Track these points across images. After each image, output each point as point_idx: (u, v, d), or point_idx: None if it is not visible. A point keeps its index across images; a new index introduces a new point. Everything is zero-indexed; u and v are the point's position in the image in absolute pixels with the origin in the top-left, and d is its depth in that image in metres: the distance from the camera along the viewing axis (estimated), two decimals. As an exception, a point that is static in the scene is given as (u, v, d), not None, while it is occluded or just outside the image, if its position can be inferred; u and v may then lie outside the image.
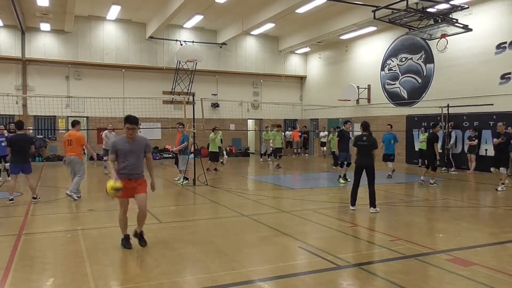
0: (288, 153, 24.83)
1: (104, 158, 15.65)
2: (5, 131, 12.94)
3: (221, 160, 17.40)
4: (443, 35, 15.12)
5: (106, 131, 15.64)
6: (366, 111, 21.44)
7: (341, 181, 12.71)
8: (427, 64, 18.54)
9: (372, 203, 8.31)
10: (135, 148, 5.70)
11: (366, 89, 21.92)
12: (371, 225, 7.47)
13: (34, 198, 9.40)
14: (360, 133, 8.77)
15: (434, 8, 14.49)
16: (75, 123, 9.84)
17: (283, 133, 20.86)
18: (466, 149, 16.03)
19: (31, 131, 20.69)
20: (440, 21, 14.53)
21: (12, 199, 9.15)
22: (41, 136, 20.41)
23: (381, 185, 11.35)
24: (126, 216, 5.84)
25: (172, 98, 21.36)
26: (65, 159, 9.71)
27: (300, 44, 24.30)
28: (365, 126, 8.66)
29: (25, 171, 9.31)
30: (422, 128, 18.07)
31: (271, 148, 22.26)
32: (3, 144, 12.19)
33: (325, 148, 23.30)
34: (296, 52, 26.41)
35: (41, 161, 19.57)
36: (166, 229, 7.09)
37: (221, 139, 16.93)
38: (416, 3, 14.30)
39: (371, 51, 21.84)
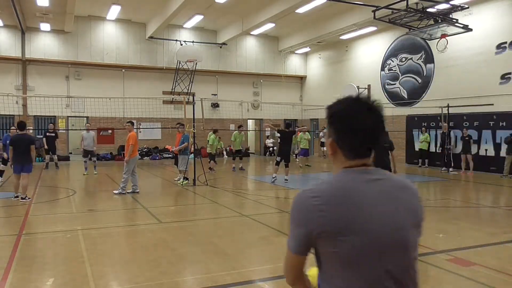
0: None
1: (84, 159, 15.34)
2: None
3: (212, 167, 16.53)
4: (443, 35, 15.11)
5: (84, 132, 15.46)
6: (366, 111, 21.37)
7: None
8: (427, 64, 18.53)
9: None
10: None
11: (366, 89, 21.89)
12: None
13: (23, 198, 9.40)
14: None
15: (434, 8, 14.48)
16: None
17: (308, 134, 18.97)
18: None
19: (30, 131, 20.68)
20: (440, 21, 14.52)
21: (17, 196, 9.40)
22: (41, 136, 20.36)
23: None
24: None
25: (172, 98, 21.34)
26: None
27: (300, 44, 24.28)
28: None
29: (25, 170, 9.38)
30: (423, 128, 18.13)
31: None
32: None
33: (325, 148, 23.30)
34: (296, 52, 26.39)
35: (41, 161, 19.54)
36: (166, 229, 7.08)
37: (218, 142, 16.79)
38: (416, 3, 14.29)
39: (371, 51, 21.83)
